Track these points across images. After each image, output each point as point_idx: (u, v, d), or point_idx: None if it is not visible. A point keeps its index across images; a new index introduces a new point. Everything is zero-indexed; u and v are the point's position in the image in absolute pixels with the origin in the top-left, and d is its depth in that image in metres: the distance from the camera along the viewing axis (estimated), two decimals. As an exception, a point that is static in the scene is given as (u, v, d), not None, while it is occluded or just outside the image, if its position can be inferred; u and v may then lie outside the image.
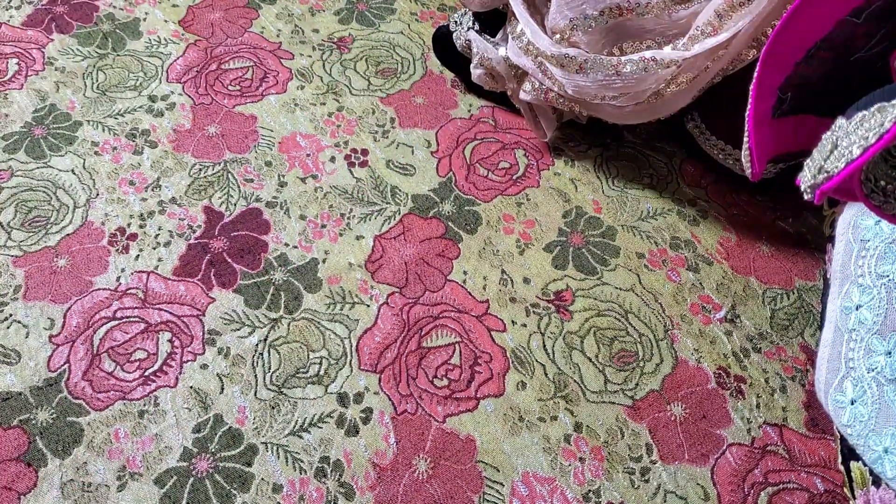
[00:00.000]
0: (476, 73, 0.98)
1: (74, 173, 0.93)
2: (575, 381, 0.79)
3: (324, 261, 0.87)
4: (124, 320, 0.80)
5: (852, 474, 0.68)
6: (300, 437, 0.74)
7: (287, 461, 0.72)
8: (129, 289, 0.83)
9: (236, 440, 0.73)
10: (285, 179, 0.95)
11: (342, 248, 0.88)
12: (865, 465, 0.65)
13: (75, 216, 0.89)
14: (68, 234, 0.87)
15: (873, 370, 0.63)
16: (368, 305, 0.83)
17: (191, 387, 0.76)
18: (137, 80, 1.05)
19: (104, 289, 0.83)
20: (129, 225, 0.89)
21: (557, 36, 0.83)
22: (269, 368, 0.78)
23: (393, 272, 0.86)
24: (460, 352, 0.80)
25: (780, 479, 0.73)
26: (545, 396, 0.77)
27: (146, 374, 0.76)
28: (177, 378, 0.77)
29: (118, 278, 0.84)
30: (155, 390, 0.75)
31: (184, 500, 0.69)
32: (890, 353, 0.62)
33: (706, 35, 0.74)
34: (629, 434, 0.75)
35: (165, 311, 0.81)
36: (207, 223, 0.89)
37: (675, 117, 0.90)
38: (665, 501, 0.71)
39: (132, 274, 0.84)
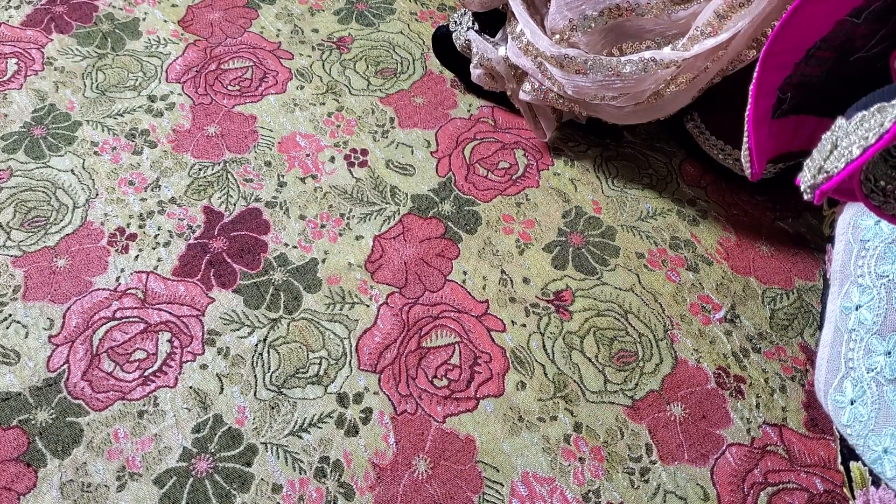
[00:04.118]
0: (476, 73, 0.98)
1: (74, 173, 0.93)
2: (574, 381, 0.79)
3: (323, 261, 0.87)
4: (124, 320, 0.80)
5: (852, 474, 0.68)
6: (300, 437, 0.74)
7: (287, 461, 0.72)
8: (129, 289, 0.83)
9: (236, 440, 0.73)
10: (285, 179, 0.95)
11: (342, 248, 0.88)
12: (865, 465, 0.65)
13: (75, 216, 0.89)
14: (68, 235, 0.87)
15: (873, 370, 0.63)
16: (368, 305, 0.83)
17: (190, 387, 0.76)
18: (137, 80, 1.05)
19: (104, 289, 0.83)
20: (128, 225, 0.88)
21: (557, 36, 0.83)
22: (269, 368, 0.78)
23: (392, 272, 0.86)
24: (460, 352, 0.80)
25: (779, 479, 0.73)
26: (545, 396, 0.77)
27: (146, 374, 0.76)
28: (176, 378, 0.76)
29: (118, 278, 0.84)
30: (154, 390, 0.75)
31: (183, 501, 0.69)
32: (889, 353, 0.62)
33: (706, 35, 0.74)
34: (629, 434, 0.75)
35: (165, 311, 0.81)
36: (207, 223, 0.89)
37: (674, 117, 0.90)
38: (665, 501, 0.71)
39: (132, 274, 0.84)
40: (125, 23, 1.12)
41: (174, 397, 0.75)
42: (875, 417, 0.62)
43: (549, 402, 0.77)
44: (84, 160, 0.94)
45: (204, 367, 0.78)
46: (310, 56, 1.10)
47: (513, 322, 0.83)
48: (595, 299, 0.85)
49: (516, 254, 0.89)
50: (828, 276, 0.73)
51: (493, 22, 0.98)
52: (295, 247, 0.88)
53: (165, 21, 1.13)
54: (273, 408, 0.75)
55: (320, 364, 0.78)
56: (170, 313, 0.81)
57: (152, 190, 0.92)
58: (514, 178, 0.97)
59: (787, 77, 0.65)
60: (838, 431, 0.69)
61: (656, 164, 1.00)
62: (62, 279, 0.83)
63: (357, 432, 0.74)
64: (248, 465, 0.72)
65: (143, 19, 1.13)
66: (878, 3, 0.58)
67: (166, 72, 1.06)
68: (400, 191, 0.94)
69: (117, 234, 0.88)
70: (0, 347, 0.77)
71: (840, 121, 0.46)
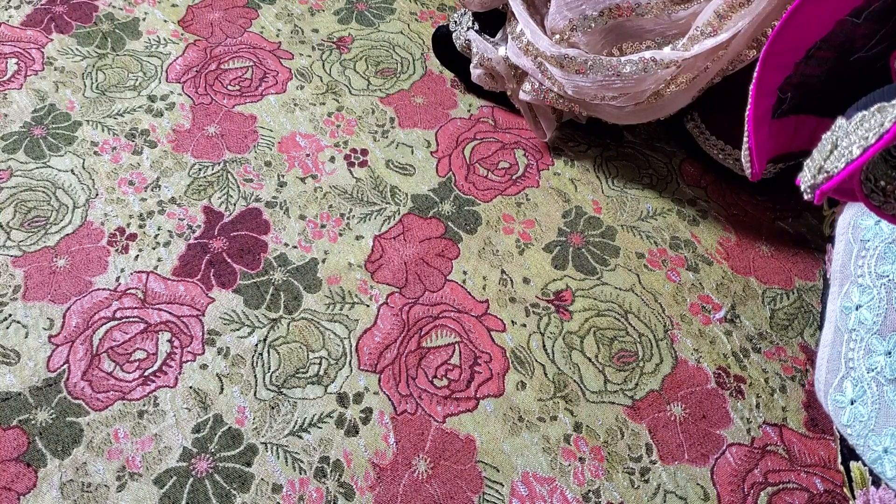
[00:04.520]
0: (476, 73, 0.98)
1: (74, 173, 0.93)
2: (575, 381, 0.79)
3: (323, 261, 0.87)
4: (124, 320, 0.80)
5: (852, 474, 0.68)
6: (300, 437, 0.74)
7: (287, 461, 0.72)
8: (129, 289, 0.83)
9: (236, 440, 0.73)
10: (285, 179, 0.95)
11: (342, 248, 0.88)
12: (865, 465, 0.65)
13: (75, 216, 0.89)
14: (68, 234, 0.87)
15: (873, 370, 0.63)
16: (368, 305, 0.83)
17: (190, 387, 0.76)
18: (137, 79, 1.05)
19: (104, 289, 0.83)
20: (128, 225, 0.88)
21: (557, 36, 0.83)
22: (269, 368, 0.78)
23: (392, 272, 0.86)
24: (460, 352, 0.80)
25: (779, 479, 0.73)
26: (545, 396, 0.77)
27: (146, 374, 0.76)
28: (176, 378, 0.76)
29: (118, 278, 0.84)
30: (154, 390, 0.75)
31: (183, 501, 0.69)
32: (890, 353, 0.62)
33: (706, 35, 0.74)
34: (629, 434, 0.75)
35: (165, 311, 0.81)
36: (207, 223, 0.89)
37: (675, 117, 0.90)
38: (665, 501, 0.71)
39: (132, 274, 0.84)
40: (125, 23, 1.12)
41: (174, 397, 0.75)
42: (875, 417, 0.62)
43: (549, 402, 0.77)
44: (84, 160, 0.94)
45: (204, 367, 0.78)
46: (310, 56, 1.10)
47: (513, 322, 0.83)
48: (595, 299, 0.85)
49: (516, 254, 0.89)
50: (828, 276, 0.73)
51: (493, 22, 0.98)
52: (295, 247, 0.88)
53: (165, 21, 1.13)
54: (273, 408, 0.75)
55: (320, 364, 0.78)
56: (170, 313, 0.81)
57: (152, 190, 0.92)
58: (514, 177, 0.97)
59: (788, 77, 0.65)
60: (838, 431, 0.69)
61: (656, 164, 1.00)
62: (62, 279, 0.83)
63: (357, 432, 0.74)
64: (248, 465, 0.72)
65: (143, 19, 1.13)
66: (878, 3, 0.58)
67: (166, 72, 1.06)
68: (400, 191, 0.94)
69: (117, 233, 0.88)
70: (0, 347, 0.77)
71: (840, 121, 0.46)
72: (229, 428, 0.74)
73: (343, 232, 0.90)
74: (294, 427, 0.74)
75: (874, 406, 0.62)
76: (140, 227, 0.88)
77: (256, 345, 0.79)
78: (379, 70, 1.09)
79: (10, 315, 0.80)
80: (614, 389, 0.78)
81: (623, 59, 0.79)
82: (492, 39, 0.96)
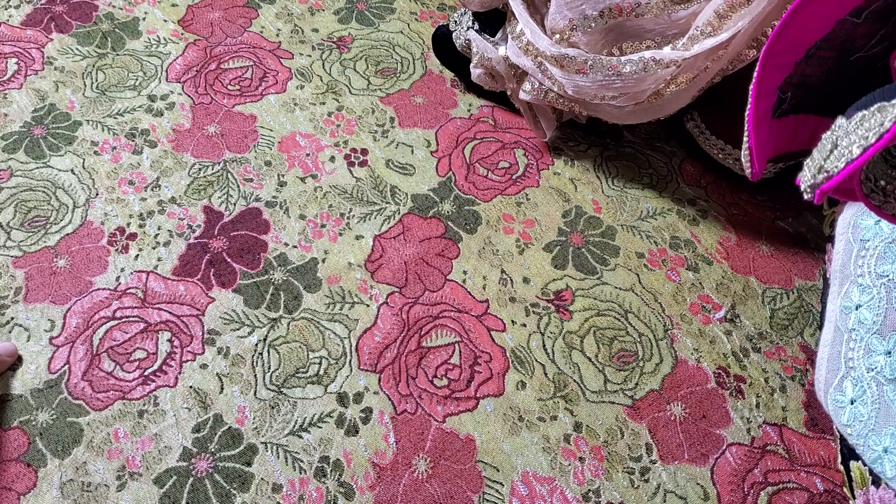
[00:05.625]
0: (476, 72, 0.98)
1: (74, 173, 0.93)
2: (575, 380, 0.79)
3: (323, 260, 0.87)
4: (124, 320, 0.80)
5: (852, 474, 0.68)
6: (300, 436, 0.74)
7: (287, 461, 0.72)
8: (129, 288, 0.83)
9: (236, 440, 0.73)
10: (285, 179, 0.95)
11: (342, 248, 0.88)
12: (865, 464, 0.65)
13: (75, 216, 0.89)
14: (68, 234, 0.87)
15: (873, 370, 0.63)
16: (368, 305, 0.83)
17: (190, 386, 0.76)
18: (137, 79, 1.05)
19: (104, 289, 0.83)
20: (128, 225, 0.88)
21: (557, 36, 0.83)
22: (269, 368, 0.78)
23: (392, 272, 0.86)
24: (460, 351, 0.80)
25: (779, 479, 0.73)
26: (545, 396, 0.77)
27: (146, 373, 0.76)
28: (176, 378, 0.76)
29: (118, 278, 0.84)
30: (154, 390, 0.75)
31: (183, 500, 0.69)
32: (889, 352, 0.62)
33: (706, 35, 0.74)
34: (629, 434, 0.75)
35: (165, 310, 0.81)
36: (207, 223, 0.89)
37: (674, 117, 0.90)
38: (665, 501, 0.71)
39: (132, 274, 0.84)
40: (125, 22, 1.12)
41: (174, 397, 0.75)
42: (875, 417, 0.62)
43: (549, 401, 0.77)
44: (84, 160, 0.94)
45: (204, 366, 0.78)
46: (310, 56, 1.10)
47: (513, 322, 0.83)
48: (595, 299, 0.85)
49: (516, 253, 0.89)
50: (828, 276, 0.73)
51: (493, 22, 0.98)
52: (295, 246, 0.88)
53: (165, 21, 1.13)
54: (273, 407, 0.75)
55: (320, 364, 0.78)
56: (170, 313, 0.81)
57: (152, 189, 0.92)
58: (514, 177, 0.97)
59: (788, 77, 0.65)
60: (838, 431, 0.69)
61: (656, 164, 1.00)
62: (62, 279, 0.83)
63: (357, 432, 0.74)
64: (248, 464, 0.72)
65: (143, 19, 1.13)
66: (878, 2, 0.58)
67: (166, 71, 1.06)
68: (400, 190, 0.94)
69: (117, 233, 0.88)
70: (0, 347, 0.77)
71: (840, 120, 0.46)
72: (229, 428, 0.74)
73: (343, 231, 0.90)
74: (294, 427, 0.74)
75: (874, 406, 0.62)
76: (140, 226, 0.88)
77: (256, 344, 0.79)
78: (379, 70, 1.09)
79: (13, 318, 0.80)
80: (614, 389, 0.78)
81: (623, 58, 0.79)
82: (492, 39, 0.96)
